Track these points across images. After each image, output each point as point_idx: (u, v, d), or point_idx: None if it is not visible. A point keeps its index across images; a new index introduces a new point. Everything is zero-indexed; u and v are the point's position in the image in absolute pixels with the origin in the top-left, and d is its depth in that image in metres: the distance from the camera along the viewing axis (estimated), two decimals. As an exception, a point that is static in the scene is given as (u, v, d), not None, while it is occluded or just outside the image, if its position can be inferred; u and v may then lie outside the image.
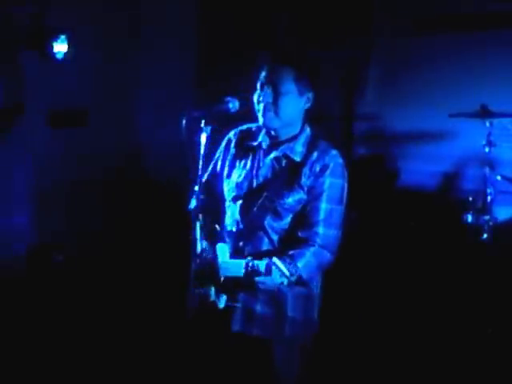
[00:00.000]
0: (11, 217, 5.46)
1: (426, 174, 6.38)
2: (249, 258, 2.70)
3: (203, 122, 2.80)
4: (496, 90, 5.87)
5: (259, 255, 2.80)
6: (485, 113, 5.36)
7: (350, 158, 6.83)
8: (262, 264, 2.65)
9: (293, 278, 2.70)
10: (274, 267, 2.61)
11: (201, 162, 2.84)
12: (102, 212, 5.91)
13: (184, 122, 2.75)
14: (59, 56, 5.29)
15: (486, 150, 5.37)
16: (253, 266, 2.66)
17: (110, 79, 5.97)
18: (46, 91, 5.53)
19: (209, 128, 2.82)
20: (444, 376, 4.24)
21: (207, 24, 6.69)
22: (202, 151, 2.83)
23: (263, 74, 2.91)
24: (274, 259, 2.63)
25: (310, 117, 3.02)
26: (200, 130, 2.82)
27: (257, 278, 2.67)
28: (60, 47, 5.27)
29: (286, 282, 2.66)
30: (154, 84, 6.33)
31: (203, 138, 2.82)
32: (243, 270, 2.68)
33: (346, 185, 2.93)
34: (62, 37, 5.26)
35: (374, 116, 6.80)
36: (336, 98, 6.83)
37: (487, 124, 5.34)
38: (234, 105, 2.86)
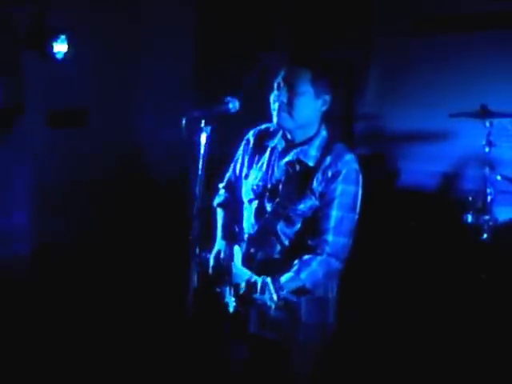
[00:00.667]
0: (11, 217, 5.46)
1: (426, 174, 6.39)
2: (251, 275, 2.70)
3: (203, 122, 2.80)
4: (496, 90, 5.88)
5: (272, 261, 2.81)
6: (485, 113, 5.36)
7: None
8: (259, 281, 2.63)
9: (279, 303, 2.63)
10: (266, 288, 2.60)
11: (201, 162, 2.84)
12: (101, 212, 5.91)
13: (184, 122, 2.75)
14: (59, 56, 5.29)
15: (486, 149, 5.37)
16: (252, 282, 2.66)
17: (109, 79, 5.97)
18: (46, 91, 5.53)
19: (209, 128, 2.82)
20: (445, 376, 4.24)
21: (206, 24, 6.70)
22: (202, 151, 2.83)
23: (281, 74, 2.90)
24: (268, 280, 2.60)
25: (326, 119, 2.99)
26: (200, 130, 2.82)
27: (254, 296, 2.65)
28: (60, 47, 5.27)
29: (273, 305, 2.60)
30: (154, 84, 6.33)
31: (203, 138, 2.82)
32: (244, 286, 2.69)
33: (359, 192, 2.86)
34: (62, 37, 5.26)
35: (374, 116, 6.81)
36: (336, 98, 6.83)
37: (487, 124, 5.34)
38: (233, 105, 2.86)
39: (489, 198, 5.35)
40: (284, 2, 6.96)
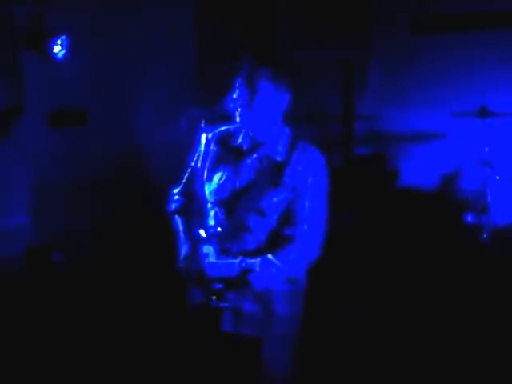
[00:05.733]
0: (11, 217, 5.46)
1: (426, 174, 6.39)
2: (241, 258, 2.77)
3: (203, 121, 2.81)
4: (496, 90, 5.89)
5: (248, 254, 2.85)
6: (485, 113, 5.37)
7: (350, 158, 6.84)
8: (255, 262, 2.70)
9: (286, 275, 2.77)
10: (268, 264, 2.64)
11: (201, 161, 2.85)
12: (101, 212, 5.91)
13: (184, 122, 2.77)
14: (59, 56, 5.29)
15: (486, 149, 5.38)
16: (247, 264, 2.73)
17: (109, 79, 5.97)
18: (46, 91, 5.53)
19: (209, 128, 2.84)
20: (443, 376, 4.24)
21: (206, 24, 6.70)
22: (202, 152, 2.84)
23: (242, 73, 2.92)
24: (269, 256, 2.68)
25: (289, 117, 3.02)
26: (200, 131, 2.83)
27: (251, 277, 2.73)
28: (60, 47, 5.27)
29: (280, 278, 2.71)
30: (154, 84, 6.33)
31: (203, 138, 2.84)
32: (237, 270, 2.75)
33: (328, 182, 2.97)
34: (62, 37, 5.26)
35: (373, 116, 6.81)
36: (336, 98, 6.85)
37: (487, 124, 5.35)
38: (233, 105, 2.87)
39: (489, 198, 5.36)
40: (284, 2, 6.96)
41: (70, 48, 5.32)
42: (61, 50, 5.29)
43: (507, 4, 6.09)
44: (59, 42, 5.26)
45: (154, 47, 6.29)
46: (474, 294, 4.99)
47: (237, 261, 2.76)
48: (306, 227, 2.89)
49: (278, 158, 2.93)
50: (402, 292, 5.17)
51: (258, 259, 2.71)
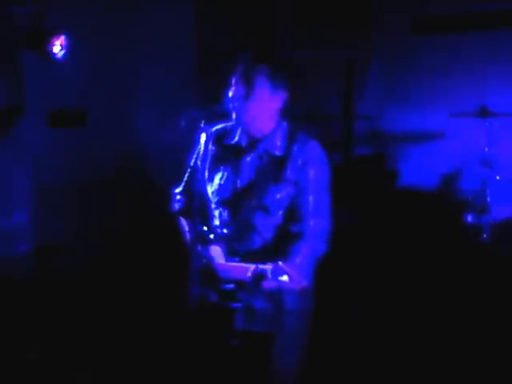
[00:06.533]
0: (11, 217, 5.46)
1: (426, 174, 6.39)
2: (256, 264, 2.73)
3: (203, 121, 2.81)
4: (496, 90, 5.89)
5: (256, 253, 2.84)
6: (485, 113, 5.37)
7: (350, 158, 6.84)
8: (268, 269, 2.67)
9: (297, 280, 2.71)
10: (279, 272, 2.64)
11: (200, 161, 2.85)
12: (101, 212, 5.91)
13: (184, 122, 2.76)
14: (59, 56, 5.29)
15: (486, 149, 5.38)
16: (260, 271, 2.70)
17: (110, 79, 5.97)
18: (46, 91, 5.53)
19: (208, 128, 2.84)
20: (444, 376, 4.24)
21: (206, 24, 6.70)
22: (201, 151, 2.84)
23: (239, 70, 2.91)
24: (280, 263, 2.65)
25: (288, 116, 3.01)
26: (200, 130, 2.83)
27: (263, 282, 2.70)
28: (60, 47, 5.27)
29: (291, 285, 2.68)
30: (154, 84, 6.33)
31: (203, 138, 2.84)
32: (250, 275, 2.71)
33: (329, 174, 2.95)
34: (62, 37, 5.27)
35: (373, 116, 6.81)
36: (336, 98, 6.85)
37: (487, 124, 5.36)
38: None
39: (489, 198, 5.36)
40: (284, 3, 6.97)
41: (70, 48, 5.32)
42: (61, 50, 5.29)
43: (507, 4, 6.10)
44: (59, 42, 5.27)
45: (154, 47, 6.29)
46: (474, 293, 4.99)
47: (251, 267, 2.73)
48: (312, 223, 2.87)
49: (278, 153, 2.92)
50: (402, 292, 5.17)
51: (270, 266, 2.66)
